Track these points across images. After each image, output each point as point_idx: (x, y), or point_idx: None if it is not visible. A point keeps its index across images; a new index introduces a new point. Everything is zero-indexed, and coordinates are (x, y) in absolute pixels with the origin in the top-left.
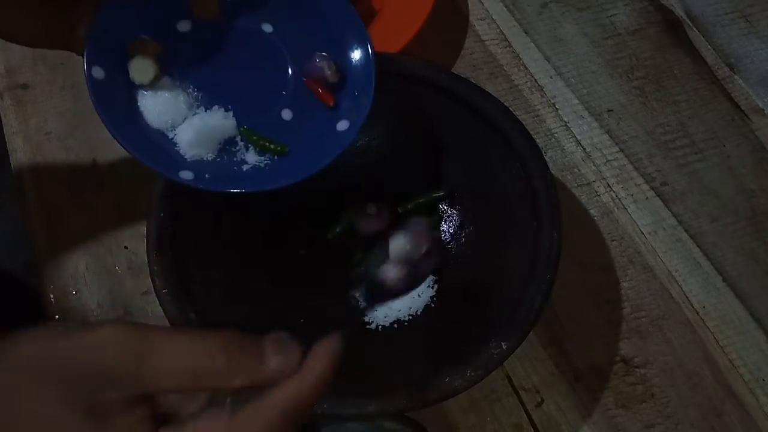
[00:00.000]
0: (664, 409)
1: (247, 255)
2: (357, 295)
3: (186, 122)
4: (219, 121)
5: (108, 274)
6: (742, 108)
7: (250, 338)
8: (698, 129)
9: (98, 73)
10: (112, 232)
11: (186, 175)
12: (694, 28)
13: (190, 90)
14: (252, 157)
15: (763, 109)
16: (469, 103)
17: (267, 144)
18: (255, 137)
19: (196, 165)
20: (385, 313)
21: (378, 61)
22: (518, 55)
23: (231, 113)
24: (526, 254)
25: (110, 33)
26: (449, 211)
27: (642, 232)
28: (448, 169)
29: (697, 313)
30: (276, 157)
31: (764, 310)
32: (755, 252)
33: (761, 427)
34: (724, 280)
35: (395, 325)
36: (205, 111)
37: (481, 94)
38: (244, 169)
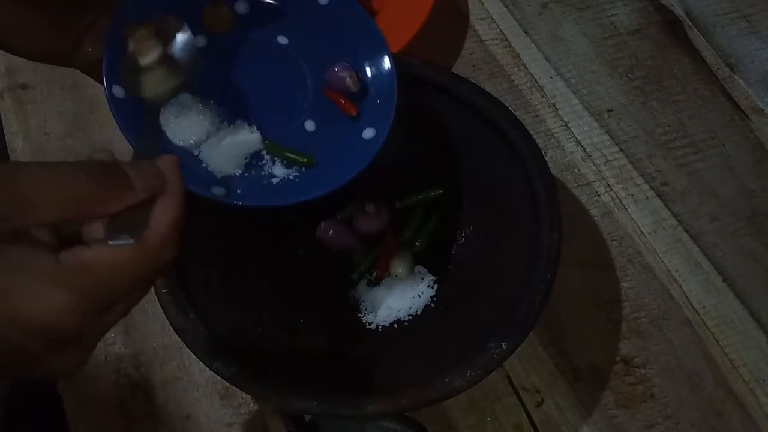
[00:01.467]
0: (664, 409)
1: (247, 255)
2: (356, 295)
3: (211, 139)
4: (244, 136)
5: None
6: (742, 108)
7: (111, 164)
8: (698, 129)
9: (119, 92)
10: None
11: (218, 191)
12: (694, 28)
13: (212, 105)
14: (279, 171)
15: (763, 109)
16: (469, 103)
17: (295, 156)
18: (282, 150)
19: (227, 181)
20: (385, 313)
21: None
22: (518, 55)
23: (255, 127)
24: (526, 254)
25: (125, 49)
26: (449, 211)
27: (642, 232)
28: (448, 168)
29: (697, 313)
30: (304, 169)
31: (764, 310)
32: (755, 252)
33: (761, 427)
34: (724, 280)
35: (395, 325)
36: (229, 126)
37: (482, 94)
38: (275, 183)
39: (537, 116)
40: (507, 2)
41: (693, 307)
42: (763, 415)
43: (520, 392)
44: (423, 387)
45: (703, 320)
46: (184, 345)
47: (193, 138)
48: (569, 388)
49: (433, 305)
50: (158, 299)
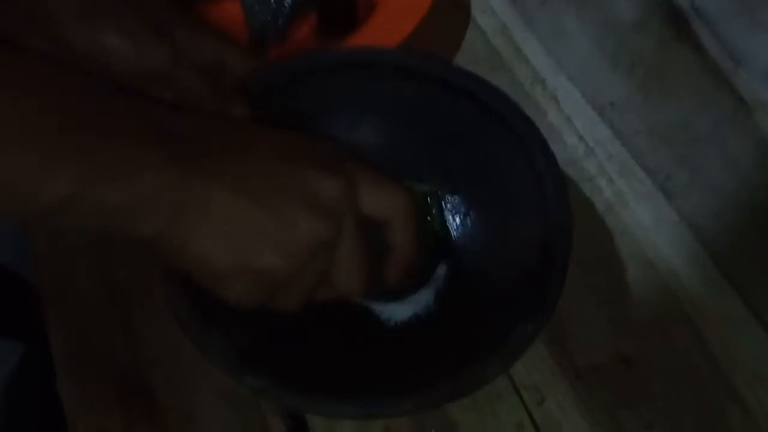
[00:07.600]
0: (664, 409)
1: None
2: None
3: None
4: None
5: (109, 273)
6: (747, 102)
7: None
8: (701, 123)
9: None
10: None
11: None
12: (698, 22)
13: None
14: None
15: None
16: (462, 89)
17: None
18: None
19: None
20: (401, 309)
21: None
22: (520, 49)
23: None
24: (538, 233)
25: None
26: (452, 201)
27: (643, 227)
28: (446, 158)
29: (698, 311)
30: None
31: (765, 308)
32: (758, 249)
33: (761, 427)
34: (725, 278)
35: (413, 320)
36: None
37: (474, 78)
38: None
39: (539, 110)
40: None
41: (694, 304)
42: (763, 415)
43: (521, 391)
44: (457, 377)
45: (703, 318)
46: (184, 345)
47: None
48: (570, 387)
49: (449, 295)
50: (175, 317)
